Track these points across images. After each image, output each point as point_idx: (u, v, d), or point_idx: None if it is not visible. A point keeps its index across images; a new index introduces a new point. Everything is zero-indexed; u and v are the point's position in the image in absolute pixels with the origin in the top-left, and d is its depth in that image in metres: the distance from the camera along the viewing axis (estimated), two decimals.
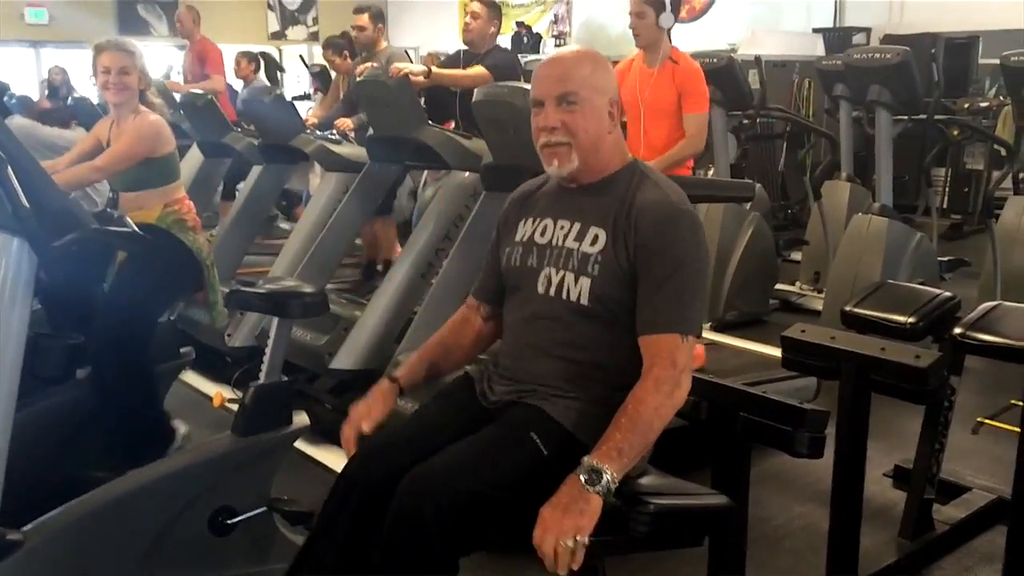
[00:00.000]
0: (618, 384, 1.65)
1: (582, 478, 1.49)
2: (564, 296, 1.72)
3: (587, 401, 1.68)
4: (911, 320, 2.44)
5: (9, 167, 1.75)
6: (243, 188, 4.87)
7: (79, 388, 2.65)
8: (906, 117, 4.72)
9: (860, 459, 2.30)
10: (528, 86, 2.93)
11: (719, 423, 1.87)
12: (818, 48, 8.77)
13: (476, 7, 4.42)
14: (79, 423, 2.71)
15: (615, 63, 3.96)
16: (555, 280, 1.74)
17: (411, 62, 4.36)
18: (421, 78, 3.84)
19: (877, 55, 4.49)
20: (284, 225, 7.70)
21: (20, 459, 2.09)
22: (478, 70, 4.17)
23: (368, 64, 3.91)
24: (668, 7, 3.58)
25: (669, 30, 3.63)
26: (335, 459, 3.31)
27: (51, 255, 1.86)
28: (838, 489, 2.31)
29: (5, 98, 7.85)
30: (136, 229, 2.01)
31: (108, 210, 2.59)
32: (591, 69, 1.74)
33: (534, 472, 1.60)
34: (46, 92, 7.94)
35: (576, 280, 1.71)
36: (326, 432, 3.36)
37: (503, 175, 3.24)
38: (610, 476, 1.49)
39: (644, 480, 1.67)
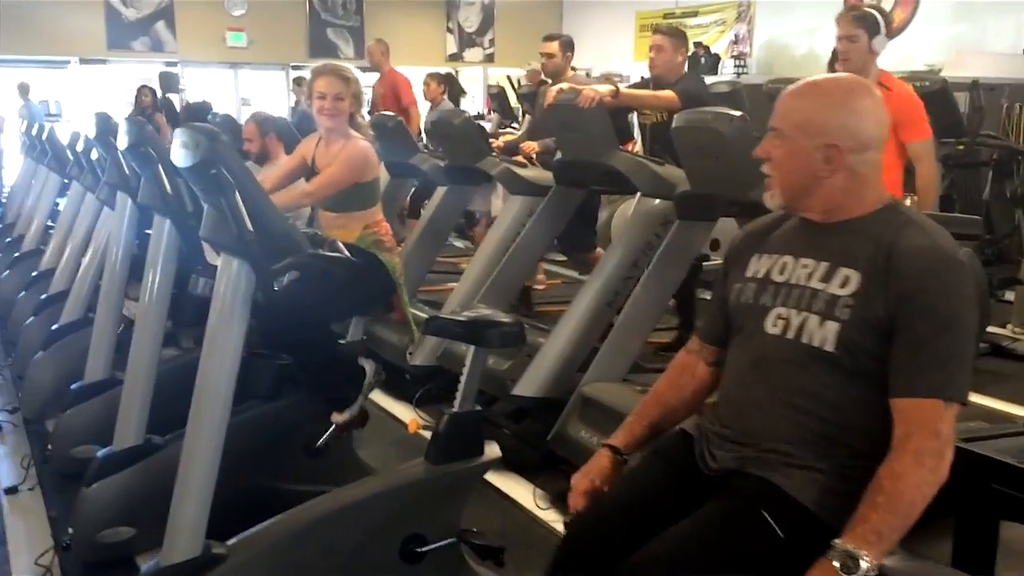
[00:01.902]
0: (860, 450, 1.49)
1: (836, 564, 1.34)
2: (804, 340, 1.57)
3: (828, 473, 1.51)
4: None
5: (237, 192, 1.79)
6: (427, 208, 4.94)
7: (275, 402, 2.72)
8: None
9: None
10: (735, 113, 2.82)
11: (964, 494, 1.66)
12: None
13: (659, 40, 4.24)
14: (274, 436, 2.79)
15: None
16: (794, 322, 1.59)
17: None
18: (609, 98, 3.76)
19: None
20: (458, 243, 7.84)
21: (223, 471, 2.16)
22: (668, 93, 4.06)
23: (558, 87, 3.87)
24: (883, 30, 3.35)
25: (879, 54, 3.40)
26: (513, 486, 3.26)
27: (269, 277, 1.90)
28: None
29: (209, 117, 8.42)
30: (348, 255, 2.03)
31: (318, 232, 2.65)
32: (814, 107, 1.60)
33: (769, 559, 1.46)
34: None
35: (821, 323, 1.55)
36: (505, 459, 3.32)
37: (700, 204, 3.11)
38: (869, 564, 1.33)
39: (894, 563, 1.47)
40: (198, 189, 1.99)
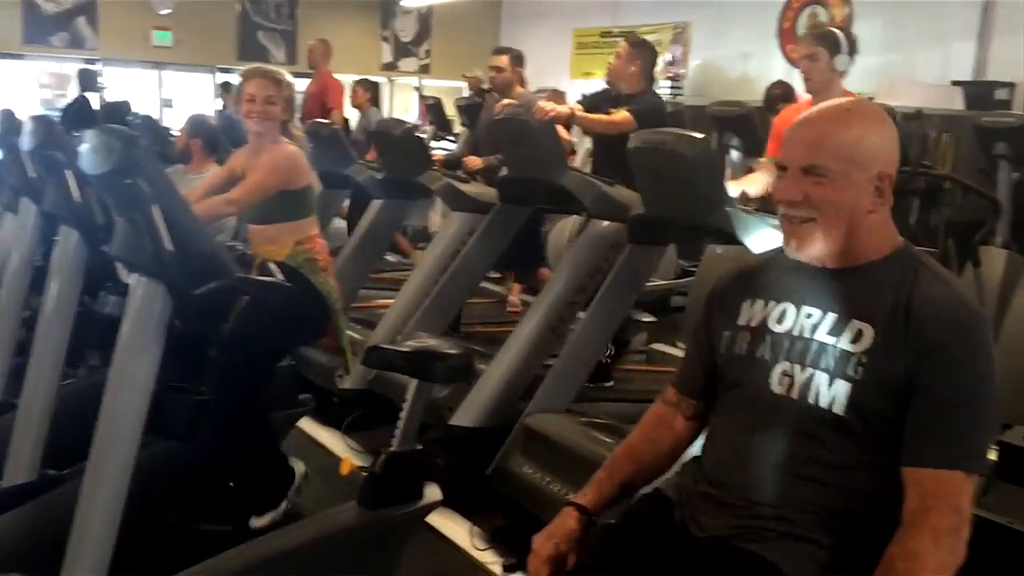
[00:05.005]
0: (863, 518, 1.34)
1: None
2: (811, 400, 1.40)
3: (832, 548, 1.35)
4: None
5: (156, 206, 1.56)
6: (361, 222, 4.71)
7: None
8: None
9: None
10: (697, 135, 2.69)
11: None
12: (956, 101, 8.27)
13: (620, 47, 4.37)
14: (183, 473, 2.54)
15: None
16: (799, 379, 1.42)
17: None
18: (563, 119, 3.66)
19: None
20: (390, 257, 7.58)
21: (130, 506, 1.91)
22: (622, 115, 3.96)
23: (508, 101, 3.72)
24: (844, 48, 3.29)
25: (843, 73, 3.34)
26: (447, 524, 3.05)
27: (190, 302, 1.67)
28: None
29: (128, 118, 7.99)
30: (283, 280, 1.81)
31: (239, 247, 2.42)
32: (858, 134, 1.41)
33: None
34: None
35: (830, 382, 1.39)
36: None
37: (655, 228, 2.98)
38: None
39: None
40: (109, 199, 1.75)
